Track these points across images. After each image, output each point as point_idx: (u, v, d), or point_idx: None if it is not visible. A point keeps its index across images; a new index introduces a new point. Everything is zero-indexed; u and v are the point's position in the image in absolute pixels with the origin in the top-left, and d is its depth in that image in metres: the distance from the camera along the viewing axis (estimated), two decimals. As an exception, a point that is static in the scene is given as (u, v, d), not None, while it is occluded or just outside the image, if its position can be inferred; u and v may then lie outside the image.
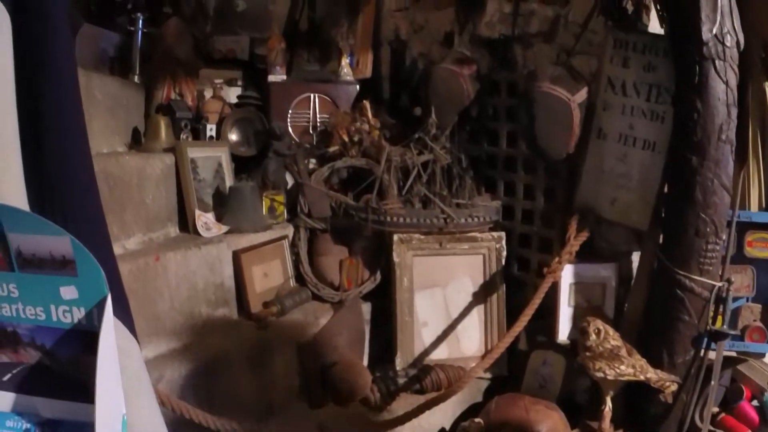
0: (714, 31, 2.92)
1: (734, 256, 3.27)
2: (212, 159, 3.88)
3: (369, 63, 4.88)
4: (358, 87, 4.54)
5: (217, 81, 4.55)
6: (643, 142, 3.34)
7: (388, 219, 3.73)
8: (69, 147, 1.67)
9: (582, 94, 3.48)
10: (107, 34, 4.28)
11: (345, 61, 4.60)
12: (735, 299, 3.18)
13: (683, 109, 3.06)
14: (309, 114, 4.43)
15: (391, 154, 3.89)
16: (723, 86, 2.94)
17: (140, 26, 4.23)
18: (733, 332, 3.16)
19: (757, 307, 3.35)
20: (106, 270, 1.37)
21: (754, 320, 3.33)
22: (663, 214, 3.26)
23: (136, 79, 4.17)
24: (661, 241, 3.25)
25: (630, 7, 3.38)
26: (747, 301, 3.35)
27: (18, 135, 1.58)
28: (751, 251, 3.34)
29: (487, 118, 4.14)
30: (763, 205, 3.45)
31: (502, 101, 4.06)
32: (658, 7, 3.28)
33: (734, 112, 2.99)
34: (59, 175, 1.64)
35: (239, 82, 4.77)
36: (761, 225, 3.32)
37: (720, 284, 3.09)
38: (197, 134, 4.11)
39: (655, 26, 3.41)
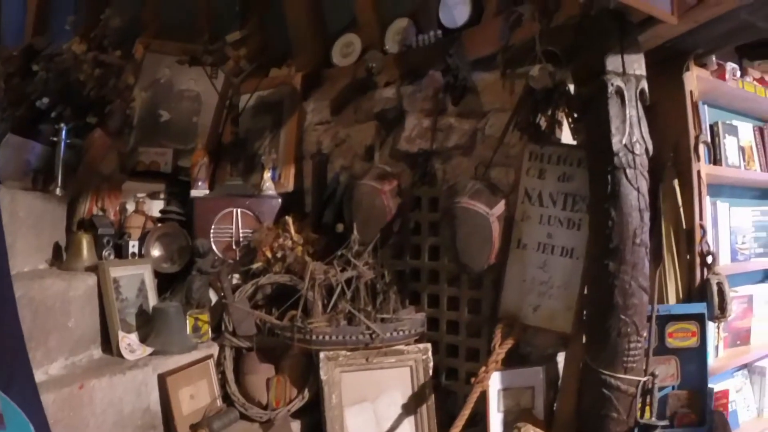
0: (624, 142, 3.10)
1: (657, 347, 3.44)
2: (135, 277, 3.93)
3: (292, 177, 5.00)
4: (280, 201, 4.67)
5: (140, 195, 4.62)
6: (561, 249, 3.46)
7: (314, 337, 3.74)
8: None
9: (500, 207, 3.59)
10: (31, 145, 4.35)
11: (267, 175, 4.72)
12: (661, 389, 3.35)
13: (598, 218, 3.18)
14: (232, 229, 4.52)
15: (314, 272, 3.93)
16: (635, 193, 3.09)
17: (64, 137, 4.26)
18: (662, 423, 3.26)
19: (683, 394, 3.50)
20: (27, 406, 1.35)
21: (682, 406, 3.49)
22: (585, 317, 3.36)
23: (58, 191, 4.17)
24: (584, 342, 3.34)
25: (543, 123, 3.56)
26: (673, 389, 3.50)
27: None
28: (672, 342, 3.50)
29: (410, 232, 4.23)
30: (681, 297, 3.66)
31: (424, 216, 4.17)
32: (570, 121, 3.46)
33: (647, 215, 3.13)
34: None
35: (162, 195, 4.87)
36: (680, 316, 3.50)
37: (645, 378, 3.23)
38: (120, 251, 4.13)
39: (569, 137, 3.61)
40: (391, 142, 4.57)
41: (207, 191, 4.71)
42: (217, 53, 5.08)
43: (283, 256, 4.23)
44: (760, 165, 4.62)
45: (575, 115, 3.47)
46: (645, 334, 3.20)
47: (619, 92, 3.15)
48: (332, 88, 5.15)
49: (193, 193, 4.63)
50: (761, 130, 4.70)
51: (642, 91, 3.23)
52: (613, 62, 3.18)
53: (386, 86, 4.73)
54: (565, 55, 3.47)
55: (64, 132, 4.25)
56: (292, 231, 4.36)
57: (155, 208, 4.74)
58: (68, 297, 3.38)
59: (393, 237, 4.23)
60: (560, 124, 3.58)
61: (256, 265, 4.26)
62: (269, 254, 4.26)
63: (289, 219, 4.42)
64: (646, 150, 3.18)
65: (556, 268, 3.47)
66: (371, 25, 5.14)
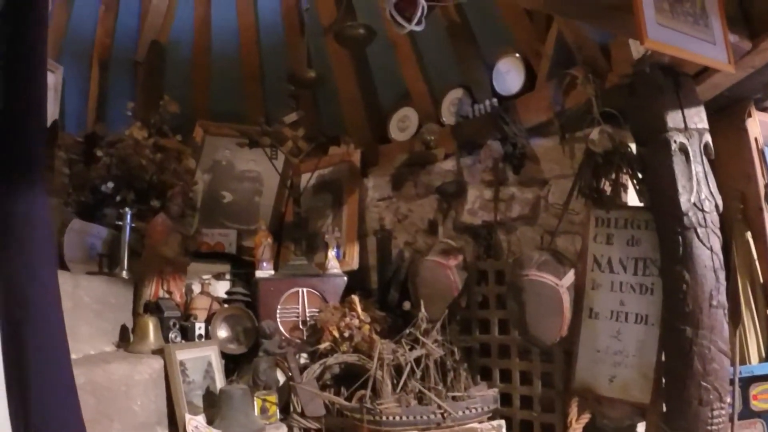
0: (692, 200, 3.03)
1: (741, 412, 3.30)
2: (202, 359, 3.90)
3: (355, 254, 5.02)
4: (345, 279, 4.62)
5: (205, 276, 4.63)
6: (635, 316, 3.36)
7: (384, 418, 3.65)
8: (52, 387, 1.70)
9: (569, 277, 3.54)
10: (96, 229, 4.38)
11: (331, 254, 4.72)
12: (747, 455, 3.16)
13: (671, 281, 3.11)
14: (298, 309, 4.51)
15: (383, 351, 3.85)
16: (708, 252, 3.02)
17: (128, 221, 4.29)
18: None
19: (772, 458, 3.31)
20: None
21: (770, 471, 3.29)
22: (663, 386, 3.24)
23: (124, 274, 4.18)
24: (665, 411, 3.21)
25: (608, 188, 3.51)
26: (760, 454, 3.31)
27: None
28: (758, 404, 3.36)
29: (477, 307, 4.18)
30: (763, 356, 3.50)
31: (491, 289, 4.12)
32: (634, 182, 3.41)
33: (722, 275, 3.03)
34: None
35: (227, 276, 4.90)
36: (764, 377, 3.36)
37: (731, 445, 3.06)
38: (186, 333, 4.11)
39: (634, 199, 3.54)
40: (454, 216, 4.56)
41: (271, 272, 4.71)
42: (275, 134, 5.10)
43: (350, 335, 4.20)
44: None
45: (639, 176, 3.40)
46: (728, 400, 3.08)
47: (683, 149, 3.11)
48: (391, 163, 5.20)
49: (258, 274, 4.63)
50: None
51: (706, 146, 3.18)
52: (673, 118, 3.15)
53: (445, 159, 4.76)
54: (622, 115, 3.46)
55: (128, 216, 4.28)
56: (359, 310, 4.32)
57: (221, 289, 4.79)
58: (133, 381, 3.37)
59: (460, 312, 4.18)
60: (625, 187, 3.51)
61: (323, 345, 4.22)
62: (336, 334, 4.22)
63: (355, 298, 4.39)
64: (716, 206, 3.12)
65: (630, 336, 3.36)
66: (425, 97, 5.21)
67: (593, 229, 3.56)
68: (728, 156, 3.66)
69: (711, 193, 3.12)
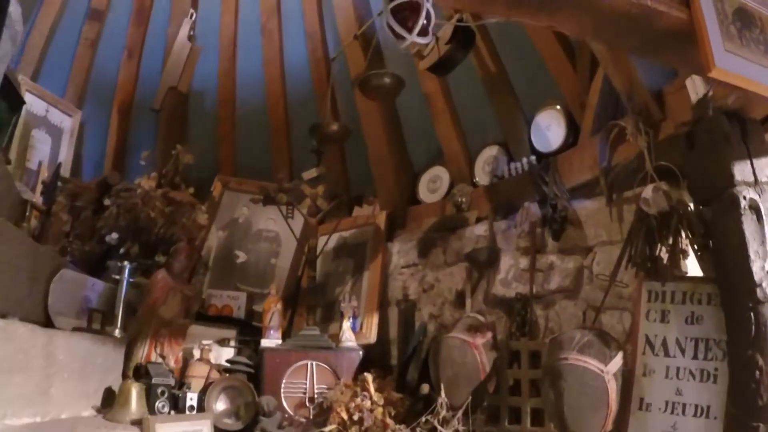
0: (766, 268, 2.61)
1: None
2: None
3: (374, 326, 4.62)
4: (361, 354, 4.25)
5: (206, 342, 4.34)
6: (695, 408, 2.88)
7: None
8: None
9: (617, 362, 3.05)
10: (90, 281, 4.14)
11: (346, 324, 4.36)
12: None
13: (740, 368, 2.67)
14: (306, 384, 4.14)
15: None
16: None
17: (126, 275, 4.06)
18: None
19: None
20: None
21: None
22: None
23: (116, 333, 3.94)
24: None
25: (664, 255, 3.00)
26: None
27: None
28: None
29: (508, 393, 3.69)
30: None
31: (524, 373, 3.63)
32: (696, 248, 2.89)
33: None
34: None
35: (232, 343, 4.59)
36: None
37: None
38: (177, 403, 3.79)
39: (695, 269, 3.07)
40: (485, 287, 4.11)
41: (279, 341, 4.36)
42: (293, 191, 4.85)
43: (360, 418, 3.75)
44: None
45: (701, 242, 2.91)
46: None
47: (754, 206, 2.69)
48: (419, 227, 4.83)
49: (264, 342, 4.32)
50: None
51: None
52: (741, 171, 2.75)
53: (477, 223, 4.35)
54: (680, 171, 3.04)
55: (127, 270, 4.06)
56: (371, 390, 3.89)
57: (225, 356, 4.50)
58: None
59: (488, 398, 3.70)
60: (685, 254, 3.00)
61: (328, 428, 3.78)
62: (344, 416, 3.80)
63: (368, 376, 3.96)
64: None
65: (689, 431, 2.87)
66: (458, 155, 4.85)
67: (645, 304, 3.12)
68: None
69: None
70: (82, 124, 5.85)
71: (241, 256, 5.37)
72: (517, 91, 4.56)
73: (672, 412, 2.95)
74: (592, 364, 2.99)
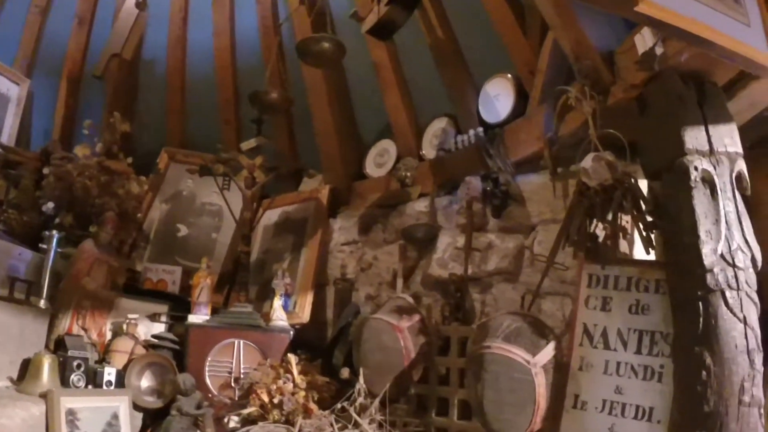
0: (720, 250, 2.18)
1: None
2: (104, 410, 3.40)
3: (308, 306, 4.26)
4: (291, 334, 3.93)
5: (132, 316, 4.05)
6: (635, 409, 2.47)
7: None
8: None
9: (547, 353, 2.64)
10: (18, 251, 3.85)
11: (278, 303, 4.04)
12: None
13: (686, 366, 2.26)
14: (232, 363, 3.86)
15: (303, 429, 3.10)
16: (740, 326, 2.16)
17: (54, 246, 3.82)
18: None
19: None
20: None
21: None
22: None
23: (41, 304, 3.69)
24: None
25: (601, 232, 2.53)
26: None
27: None
28: None
29: (437, 382, 3.28)
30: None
31: (453, 361, 3.21)
32: (642, 228, 2.42)
33: (759, 359, 2.17)
34: None
35: (163, 318, 4.32)
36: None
37: None
38: (95, 377, 3.59)
39: (642, 251, 2.57)
40: (425, 267, 3.62)
41: (207, 317, 4.01)
42: (231, 162, 4.43)
43: (280, 401, 3.40)
44: None
45: (648, 220, 2.44)
46: None
47: (708, 179, 2.27)
48: (364, 203, 4.40)
49: (191, 318, 4.00)
50: None
51: (740, 176, 2.34)
52: (694, 138, 2.32)
53: (420, 198, 3.87)
54: (630, 141, 2.57)
55: (55, 239, 3.82)
56: (295, 372, 3.54)
57: (157, 332, 4.19)
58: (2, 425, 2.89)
59: (414, 387, 3.30)
60: (625, 232, 2.54)
61: (247, 411, 3.47)
62: (266, 398, 3.45)
63: (291, 357, 3.63)
64: (753, 260, 2.24)
65: None
66: (406, 128, 4.39)
67: (585, 289, 2.70)
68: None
69: (746, 241, 2.26)
70: (31, 93, 5.43)
71: (183, 230, 5.04)
72: (468, 60, 4.10)
73: (610, 413, 2.55)
74: (518, 354, 2.58)
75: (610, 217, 2.51)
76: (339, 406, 3.15)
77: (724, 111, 2.43)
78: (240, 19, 5.46)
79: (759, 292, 2.24)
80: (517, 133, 3.45)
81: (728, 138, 2.36)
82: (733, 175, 2.31)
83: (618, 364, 2.54)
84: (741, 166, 2.34)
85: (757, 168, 2.53)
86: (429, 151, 4.14)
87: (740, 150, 2.37)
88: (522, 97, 3.60)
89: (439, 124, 4.16)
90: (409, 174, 4.02)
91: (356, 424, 3.05)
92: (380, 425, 3.09)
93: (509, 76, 3.70)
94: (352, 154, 4.78)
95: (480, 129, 3.70)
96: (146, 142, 5.42)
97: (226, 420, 3.55)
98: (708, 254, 2.16)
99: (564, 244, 2.71)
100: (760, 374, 2.17)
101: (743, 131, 2.48)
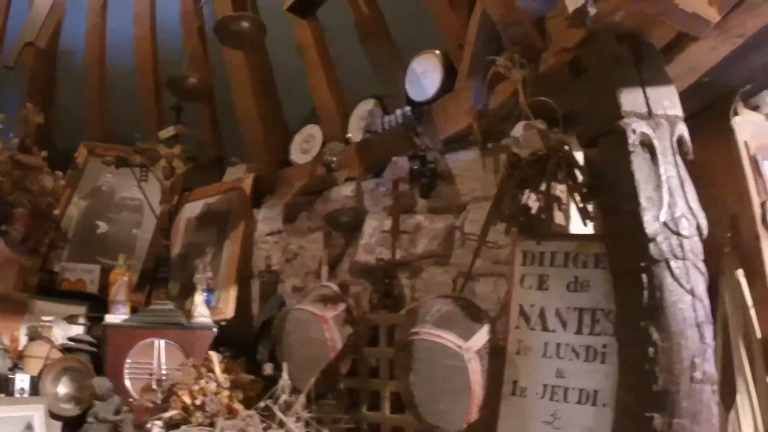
0: (662, 218, 1.97)
1: None
2: (16, 420, 3.24)
3: (232, 301, 4.01)
4: (215, 331, 3.71)
5: (46, 318, 3.86)
6: (579, 393, 2.24)
7: None
8: None
9: (481, 337, 2.39)
10: None
11: (199, 299, 3.80)
12: None
13: (631, 345, 2.06)
14: (153, 364, 3.61)
15: (224, 429, 2.83)
16: (688, 298, 1.96)
17: None
18: None
19: None
20: None
21: None
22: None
23: None
24: None
25: (533, 204, 2.29)
26: None
27: None
28: None
29: (368, 374, 3.05)
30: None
31: (383, 351, 2.97)
32: (577, 198, 2.20)
33: (709, 332, 1.99)
34: None
35: (82, 320, 4.10)
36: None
37: None
38: (7, 385, 3.44)
39: (579, 225, 2.40)
40: (352, 254, 3.38)
41: (125, 316, 3.77)
42: (148, 152, 4.16)
43: (203, 403, 3.12)
44: None
45: (585, 190, 2.23)
46: None
47: (647, 143, 2.05)
48: (289, 191, 4.14)
49: (108, 318, 3.76)
50: None
51: (681, 140, 2.13)
52: (631, 100, 2.12)
53: (346, 183, 3.65)
54: (564, 106, 2.36)
55: None
56: (218, 371, 3.26)
57: (73, 334, 3.99)
58: None
59: (343, 381, 3.05)
60: (559, 202, 2.32)
61: (168, 414, 3.17)
62: (188, 400, 3.17)
63: (214, 355, 3.36)
64: (698, 228, 2.05)
65: (572, 421, 2.23)
66: (332, 112, 4.15)
67: (520, 268, 2.44)
68: (712, 168, 2.58)
69: (690, 208, 2.05)
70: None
71: (102, 227, 4.74)
72: (396, 37, 3.88)
73: (552, 398, 2.31)
74: (449, 339, 2.33)
75: (543, 188, 2.29)
76: (262, 404, 2.89)
77: (662, 72, 2.23)
78: (161, 4, 5.17)
79: (707, 260, 2.05)
80: (445, 110, 3.22)
81: (667, 100, 2.17)
82: (674, 138, 2.11)
83: (558, 346, 2.31)
84: (682, 129, 2.15)
85: (700, 136, 2.36)
86: (356, 134, 3.89)
87: (680, 113, 2.18)
88: (451, 72, 3.36)
89: (366, 106, 3.91)
90: (335, 159, 3.77)
91: (281, 423, 2.78)
92: (307, 423, 2.84)
93: (437, 52, 3.46)
94: (277, 140, 4.51)
95: (407, 108, 3.44)
96: (65, 135, 5.12)
97: (149, 425, 3.23)
98: (650, 222, 1.96)
99: (496, 221, 2.48)
100: (711, 349, 1.99)
101: (683, 98, 2.27)
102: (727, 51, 2.35)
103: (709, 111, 2.69)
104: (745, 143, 2.64)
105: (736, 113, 2.68)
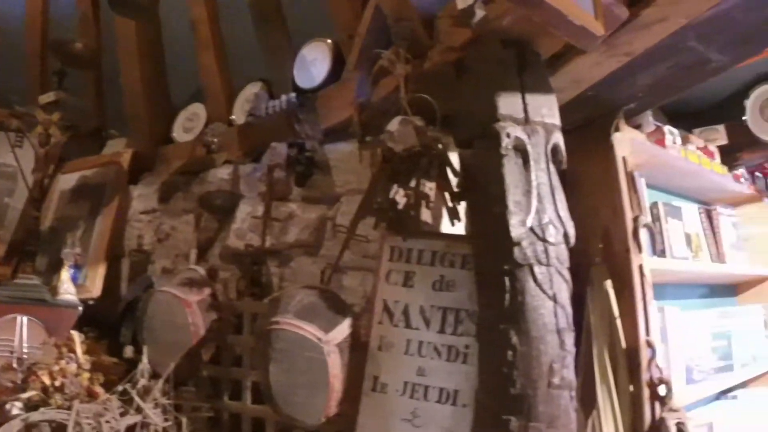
0: (529, 224, 1.95)
1: None
2: None
3: (100, 279, 3.76)
4: (80, 309, 3.43)
5: None
6: (439, 392, 2.19)
7: None
8: None
9: (342, 330, 2.32)
10: None
11: (65, 275, 3.54)
12: None
13: (491, 347, 2.02)
14: (14, 342, 3.30)
15: (80, 415, 2.61)
16: (550, 304, 1.95)
17: None
18: None
19: None
20: None
21: None
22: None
23: None
24: None
25: (401, 199, 2.24)
26: None
27: None
28: None
29: (231, 363, 2.91)
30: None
31: (246, 340, 2.85)
32: (448, 197, 2.16)
33: (570, 339, 1.98)
34: None
35: None
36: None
37: None
38: None
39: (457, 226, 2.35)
40: (224, 238, 3.27)
41: None
42: (25, 117, 3.88)
43: (62, 384, 2.90)
44: (711, 255, 3.68)
45: (456, 190, 2.18)
46: None
47: (520, 148, 2.02)
48: (168, 169, 3.93)
49: None
50: (709, 213, 3.78)
51: (556, 149, 2.10)
52: (509, 104, 2.07)
53: (224, 166, 3.51)
54: (445, 105, 2.29)
55: None
56: (79, 352, 3.04)
57: None
58: None
59: (207, 369, 2.91)
60: (427, 199, 2.28)
61: (28, 395, 2.91)
62: (47, 381, 2.92)
63: (75, 335, 3.12)
64: (565, 235, 2.03)
65: (431, 420, 2.19)
66: (219, 92, 3.96)
67: (387, 263, 2.38)
68: (590, 180, 2.71)
69: (558, 216, 2.04)
70: None
71: None
72: (290, 23, 3.74)
73: (412, 396, 2.25)
74: (309, 331, 2.24)
75: (413, 184, 2.25)
76: (120, 388, 2.72)
77: (544, 81, 2.21)
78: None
79: (573, 272, 2.05)
80: (330, 100, 3.14)
81: (546, 108, 2.14)
82: (549, 146, 2.09)
83: (420, 343, 2.25)
84: (558, 138, 2.13)
85: (581, 149, 2.39)
86: (240, 116, 3.74)
87: (558, 122, 2.16)
88: (340, 62, 3.26)
89: (253, 89, 3.77)
90: (215, 140, 3.61)
91: (139, 409, 2.63)
92: (166, 410, 2.69)
93: (328, 41, 3.37)
94: (161, 116, 4.29)
95: (293, 95, 3.33)
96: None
97: (8, 406, 2.96)
98: (516, 226, 1.92)
99: (366, 215, 2.43)
100: (570, 355, 1.98)
101: (567, 110, 2.29)
102: (612, 67, 2.36)
103: (591, 125, 2.73)
104: (624, 159, 2.72)
105: (617, 129, 2.74)
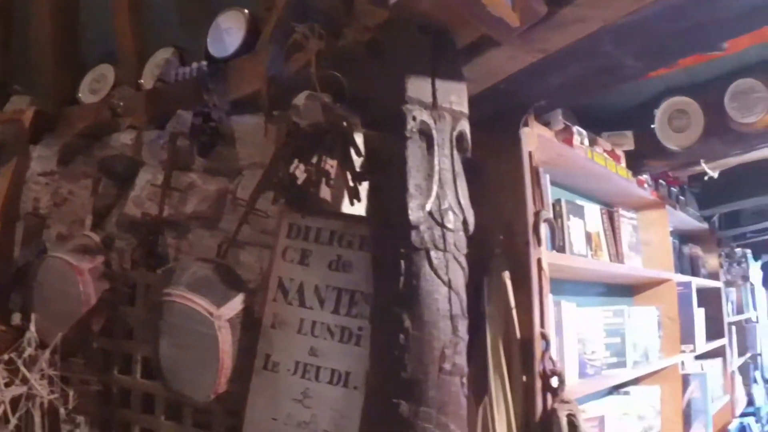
0: (428, 208, 1.90)
1: None
2: None
3: None
4: None
5: None
6: (331, 373, 2.16)
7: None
8: None
9: (234, 306, 2.23)
10: None
11: None
12: None
13: (383, 329, 1.96)
14: None
15: None
16: (444, 290, 1.90)
17: None
18: None
19: None
20: None
21: None
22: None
23: None
24: None
25: (300, 175, 2.17)
26: None
27: None
28: None
29: (123, 335, 2.76)
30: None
31: (137, 311, 2.71)
32: (349, 176, 2.10)
33: (463, 325, 1.94)
34: None
35: None
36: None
37: None
38: None
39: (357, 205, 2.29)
40: (123, 206, 3.12)
41: None
42: None
43: None
44: (610, 255, 3.76)
45: (357, 171, 2.13)
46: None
47: (425, 132, 1.96)
48: (70, 130, 3.69)
49: None
50: (610, 214, 3.87)
51: (461, 136, 2.05)
52: (417, 87, 2.00)
53: (128, 130, 3.34)
54: (356, 84, 2.26)
55: None
56: None
57: None
58: None
59: (97, 340, 2.75)
60: (327, 177, 2.22)
61: None
62: None
63: None
64: (464, 222, 1.99)
65: (322, 401, 2.15)
66: (130, 54, 3.77)
67: (284, 240, 2.31)
68: (497, 172, 2.74)
69: (459, 203, 1.99)
70: None
71: None
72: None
73: (303, 376, 2.20)
74: (200, 305, 2.14)
75: (315, 160, 2.18)
76: (6, 357, 2.57)
77: (456, 69, 2.16)
78: None
79: (470, 256, 2.01)
80: (241, 71, 3.01)
81: (455, 96, 2.09)
82: (455, 133, 2.04)
83: (314, 323, 2.20)
84: (464, 126, 2.08)
85: (490, 141, 2.40)
86: (149, 81, 3.56)
87: (466, 110, 2.11)
88: (254, 34, 3.13)
89: (164, 54, 3.58)
90: (122, 103, 3.42)
91: (25, 380, 2.49)
92: (52, 381, 2.55)
93: (245, 11, 3.23)
94: (69, 75, 4.05)
95: (204, 63, 3.21)
96: None
97: None
98: (414, 209, 1.87)
99: (266, 189, 2.36)
100: (463, 342, 1.95)
101: (478, 102, 2.26)
102: (526, 62, 2.34)
103: (501, 118, 2.72)
104: (530, 154, 2.76)
105: (526, 124, 2.75)
